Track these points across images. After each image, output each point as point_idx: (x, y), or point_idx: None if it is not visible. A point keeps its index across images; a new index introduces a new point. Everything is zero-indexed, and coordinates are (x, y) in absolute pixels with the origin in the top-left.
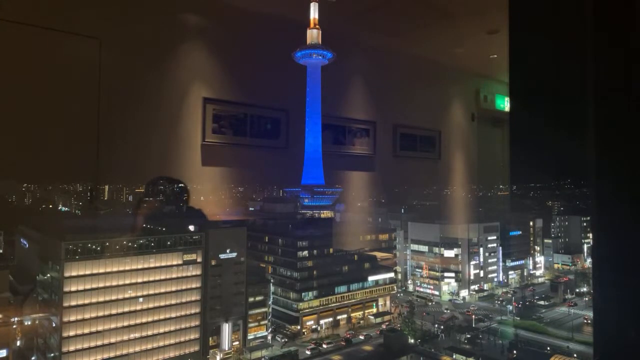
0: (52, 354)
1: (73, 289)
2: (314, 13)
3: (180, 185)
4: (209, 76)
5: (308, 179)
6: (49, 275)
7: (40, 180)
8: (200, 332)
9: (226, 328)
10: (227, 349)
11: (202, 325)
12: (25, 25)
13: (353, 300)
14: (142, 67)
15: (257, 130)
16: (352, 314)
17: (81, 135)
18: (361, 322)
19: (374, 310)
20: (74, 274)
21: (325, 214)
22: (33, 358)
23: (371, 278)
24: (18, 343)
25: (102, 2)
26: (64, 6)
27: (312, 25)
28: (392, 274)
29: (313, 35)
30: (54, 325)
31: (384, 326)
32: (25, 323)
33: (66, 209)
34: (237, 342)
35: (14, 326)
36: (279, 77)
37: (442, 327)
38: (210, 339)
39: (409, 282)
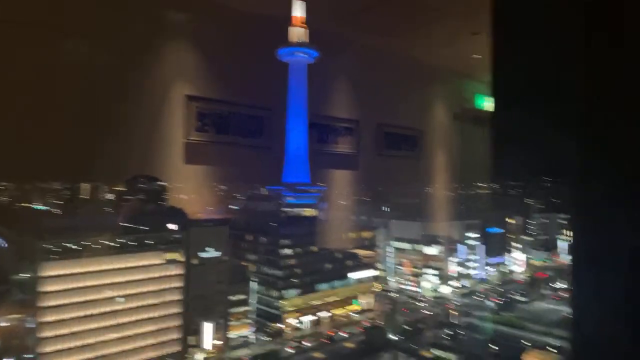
0: (28, 356)
1: (50, 289)
2: (298, 11)
3: (159, 183)
4: (192, 74)
5: (291, 176)
6: (25, 275)
7: (18, 179)
8: (182, 331)
9: (208, 327)
10: (208, 348)
11: (183, 325)
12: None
13: (335, 298)
14: (124, 63)
15: (241, 129)
16: (334, 312)
17: (61, 133)
18: (343, 319)
19: (356, 307)
20: (51, 273)
21: (309, 212)
22: None
23: (353, 276)
24: None
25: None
26: (46, 3)
27: (295, 23)
28: (374, 272)
29: (297, 33)
30: (30, 326)
31: (366, 323)
32: (0, 324)
33: (44, 207)
34: (219, 342)
35: None
36: (263, 76)
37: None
38: (191, 338)
39: (392, 279)
